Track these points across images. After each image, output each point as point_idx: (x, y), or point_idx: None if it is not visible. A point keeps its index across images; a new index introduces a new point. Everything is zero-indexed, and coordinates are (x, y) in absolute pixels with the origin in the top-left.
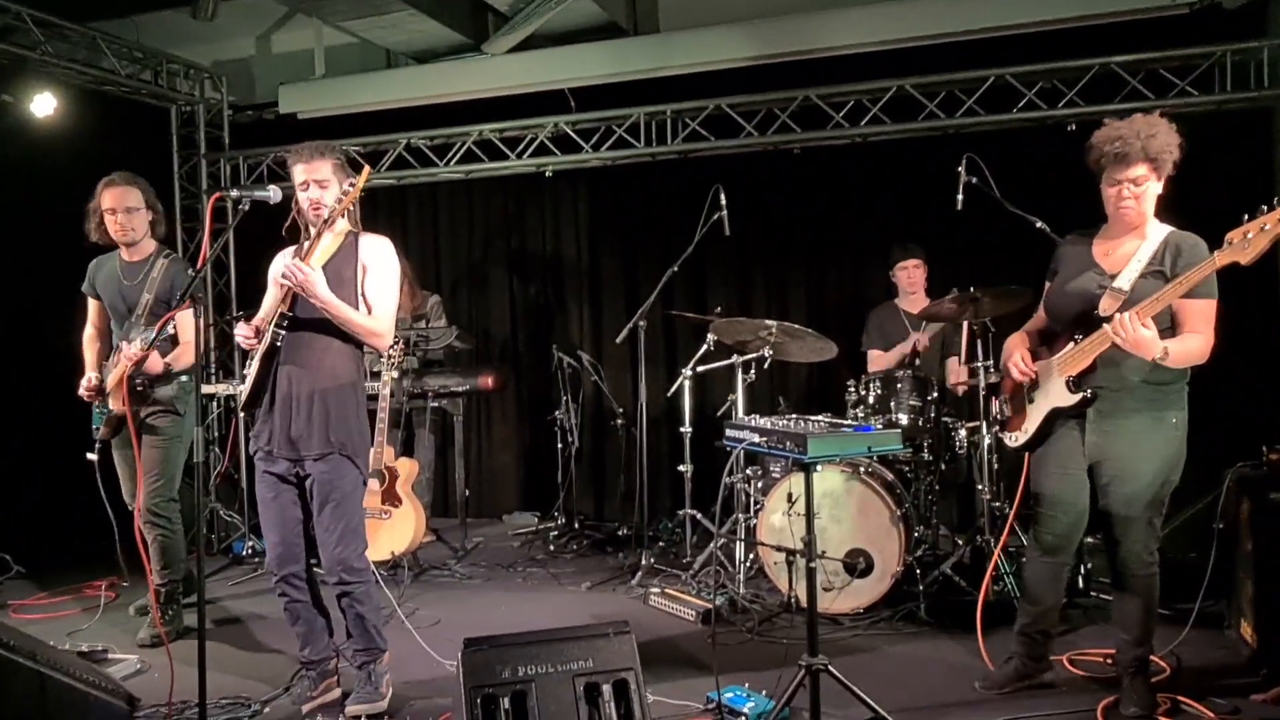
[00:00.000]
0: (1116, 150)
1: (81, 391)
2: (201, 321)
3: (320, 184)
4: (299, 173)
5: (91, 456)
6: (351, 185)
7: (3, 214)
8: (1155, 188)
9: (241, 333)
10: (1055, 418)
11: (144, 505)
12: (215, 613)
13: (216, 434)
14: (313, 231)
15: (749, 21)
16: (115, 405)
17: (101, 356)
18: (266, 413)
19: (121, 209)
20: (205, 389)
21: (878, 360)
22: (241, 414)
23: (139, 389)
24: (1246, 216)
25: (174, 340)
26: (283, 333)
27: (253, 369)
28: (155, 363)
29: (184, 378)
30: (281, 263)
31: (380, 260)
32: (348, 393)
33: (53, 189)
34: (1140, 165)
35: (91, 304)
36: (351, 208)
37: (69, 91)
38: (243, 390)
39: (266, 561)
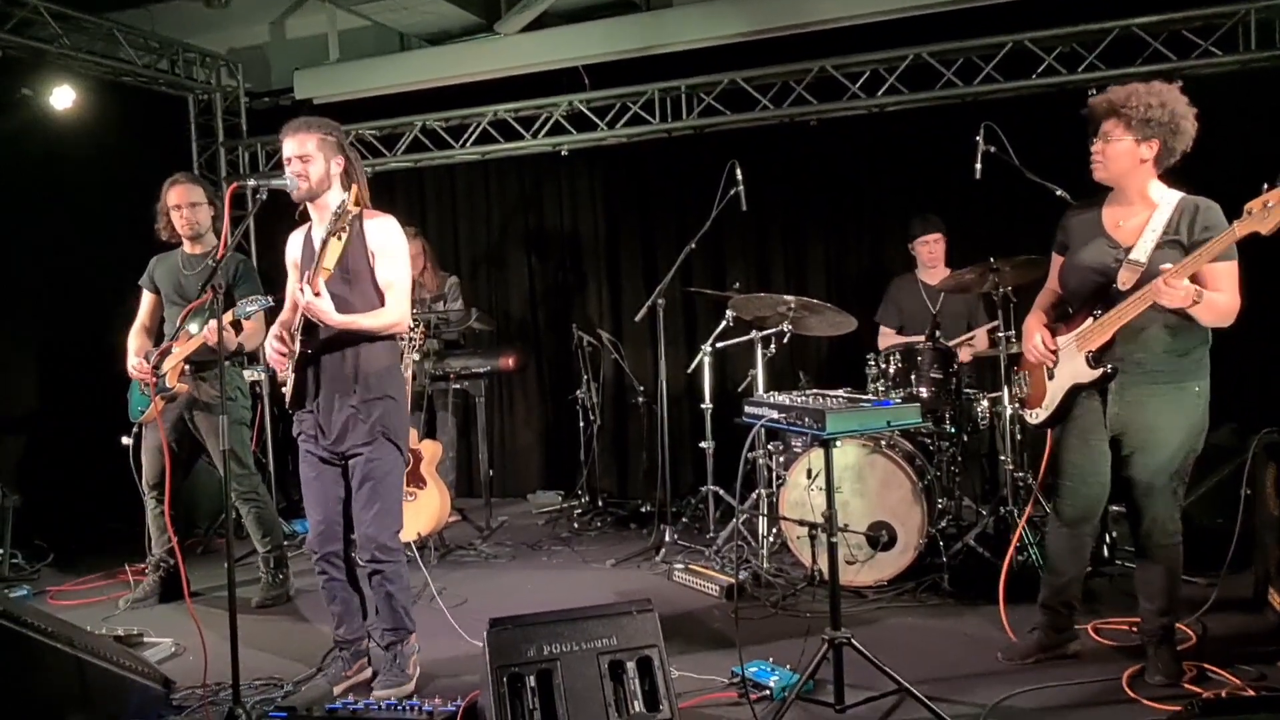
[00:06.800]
0: (1092, 104)
1: (132, 370)
2: (220, 310)
3: (303, 159)
4: (285, 147)
5: (127, 440)
6: (339, 162)
7: (27, 206)
8: (1129, 146)
9: (273, 348)
10: (1076, 393)
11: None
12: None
13: None
14: (311, 213)
15: None
16: (173, 382)
17: (145, 349)
18: (309, 409)
19: (186, 204)
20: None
21: (888, 338)
22: (288, 410)
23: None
24: (1266, 185)
25: (238, 326)
26: (309, 339)
27: (290, 374)
28: (231, 339)
29: (229, 363)
30: (296, 245)
31: (388, 243)
32: (386, 379)
33: (75, 180)
34: (1108, 120)
35: (146, 298)
36: (355, 185)
37: (87, 83)
38: (285, 392)
39: (307, 540)
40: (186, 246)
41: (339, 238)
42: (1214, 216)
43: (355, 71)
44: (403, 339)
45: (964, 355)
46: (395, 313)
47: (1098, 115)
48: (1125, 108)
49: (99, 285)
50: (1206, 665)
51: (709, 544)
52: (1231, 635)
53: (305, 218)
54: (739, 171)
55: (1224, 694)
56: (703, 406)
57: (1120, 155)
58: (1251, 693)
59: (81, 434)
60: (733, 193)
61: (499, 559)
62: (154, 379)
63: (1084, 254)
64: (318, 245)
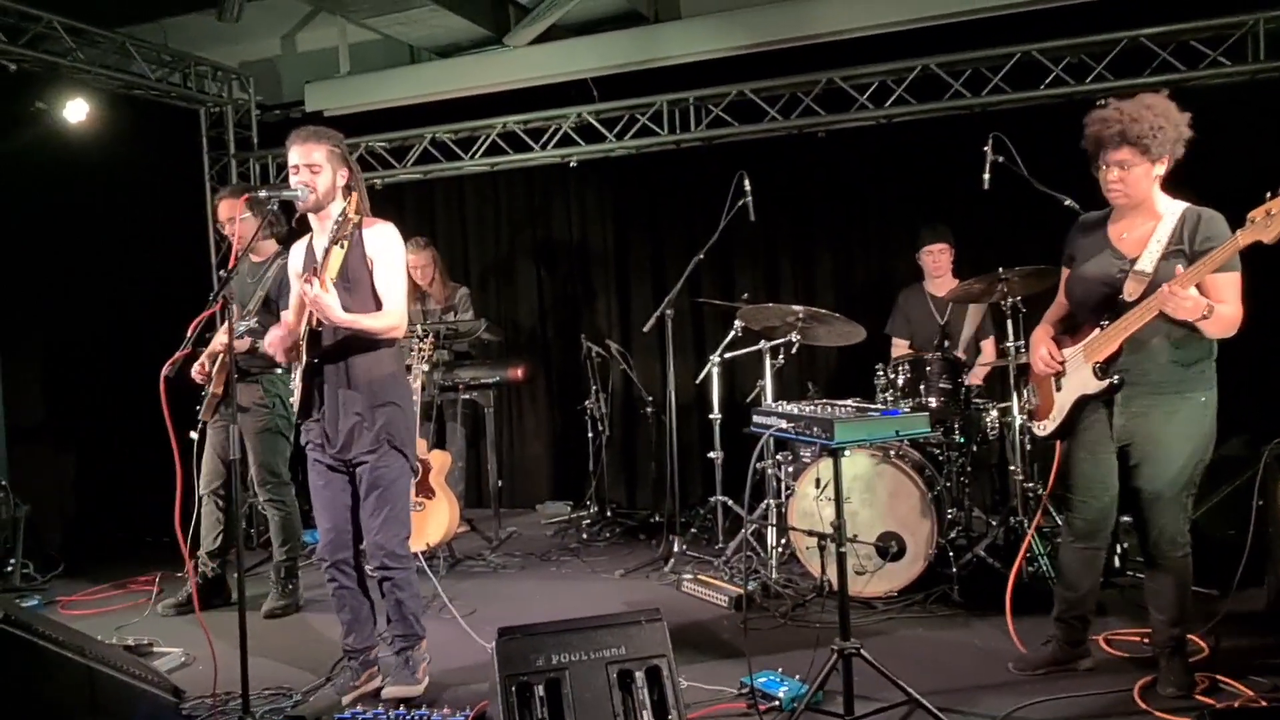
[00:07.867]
0: (1096, 133)
1: (194, 373)
2: (230, 321)
3: (311, 168)
4: (291, 155)
5: (194, 435)
6: (345, 175)
7: (41, 219)
8: (1145, 169)
9: (274, 336)
10: (1083, 405)
11: (257, 492)
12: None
13: None
14: (312, 223)
15: (770, 5)
16: (215, 388)
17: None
18: (316, 418)
19: (226, 220)
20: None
21: (900, 349)
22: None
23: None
24: (1269, 194)
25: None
26: (315, 349)
27: (297, 384)
28: (244, 345)
29: (279, 370)
30: (298, 256)
31: (385, 250)
32: (390, 386)
33: (88, 192)
34: (1122, 150)
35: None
36: (354, 193)
37: (100, 96)
38: (293, 403)
39: (317, 549)
40: (251, 255)
41: (341, 246)
42: (1216, 226)
43: (366, 84)
44: (405, 344)
45: (976, 378)
46: (394, 316)
47: (1109, 146)
48: (1141, 137)
49: (110, 297)
50: (1219, 677)
51: (718, 554)
52: (1245, 647)
53: (304, 228)
54: (747, 182)
55: (1235, 705)
56: (711, 417)
57: (1140, 180)
58: (1264, 704)
59: (93, 445)
60: (741, 203)
61: (508, 569)
62: (205, 379)
63: (1089, 266)
64: (319, 255)
